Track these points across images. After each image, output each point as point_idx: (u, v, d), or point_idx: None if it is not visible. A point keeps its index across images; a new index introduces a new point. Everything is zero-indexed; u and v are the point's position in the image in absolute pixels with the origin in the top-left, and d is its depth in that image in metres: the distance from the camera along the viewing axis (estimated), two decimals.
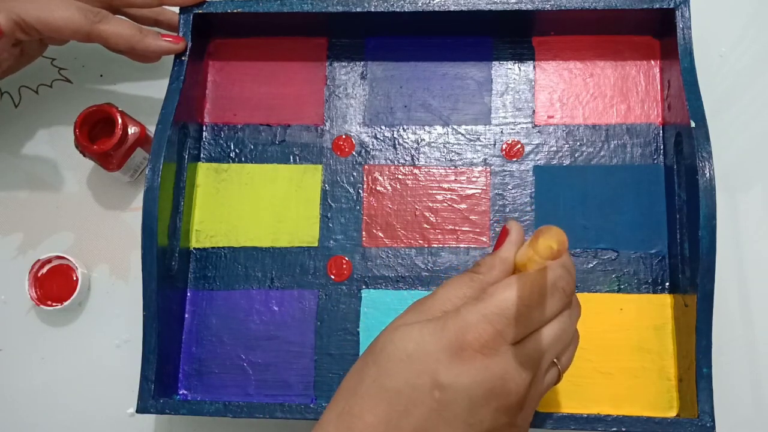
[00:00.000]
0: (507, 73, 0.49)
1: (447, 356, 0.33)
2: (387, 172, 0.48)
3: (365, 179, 0.48)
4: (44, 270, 0.49)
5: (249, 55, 0.51)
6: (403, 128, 0.49)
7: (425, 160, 0.48)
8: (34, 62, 0.52)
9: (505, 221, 0.40)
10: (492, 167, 0.48)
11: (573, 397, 0.44)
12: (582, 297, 0.45)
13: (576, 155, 0.47)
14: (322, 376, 0.45)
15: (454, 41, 0.50)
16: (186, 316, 0.47)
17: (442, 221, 0.47)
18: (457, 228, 0.47)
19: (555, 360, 0.36)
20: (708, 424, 0.40)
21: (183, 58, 0.47)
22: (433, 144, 0.48)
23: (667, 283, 0.45)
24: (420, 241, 0.47)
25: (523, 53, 0.49)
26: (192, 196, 0.48)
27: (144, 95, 0.53)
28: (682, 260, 0.43)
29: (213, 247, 0.48)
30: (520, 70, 0.49)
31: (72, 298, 0.48)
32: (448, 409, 0.33)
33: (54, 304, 0.49)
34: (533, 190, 0.47)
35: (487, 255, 0.37)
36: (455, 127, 0.49)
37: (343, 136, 0.49)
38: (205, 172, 0.49)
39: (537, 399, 0.36)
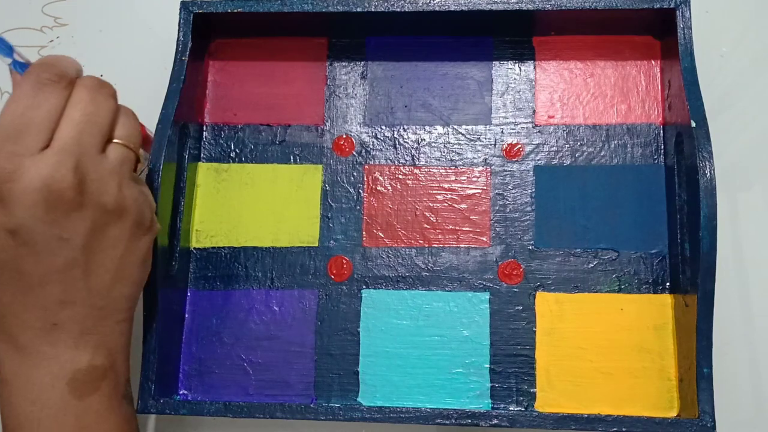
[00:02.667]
0: (507, 73, 0.49)
1: None
2: (387, 172, 0.48)
3: (365, 179, 0.48)
4: None
5: (249, 55, 0.51)
6: (403, 128, 0.49)
7: (426, 160, 0.48)
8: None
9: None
10: (492, 167, 0.48)
11: (573, 397, 0.44)
12: (582, 297, 0.45)
13: (576, 155, 0.47)
14: (323, 376, 0.45)
15: (455, 41, 0.50)
16: (186, 316, 0.47)
17: (443, 221, 0.47)
18: (457, 228, 0.47)
19: (114, 141, 0.37)
20: (708, 424, 0.40)
21: (183, 58, 0.47)
22: (433, 144, 0.48)
23: (668, 283, 0.45)
24: (420, 241, 0.47)
25: (523, 53, 0.49)
26: (192, 196, 0.48)
27: (144, 95, 0.53)
28: (682, 260, 0.43)
29: (213, 247, 0.48)
30: (520, 70, 0.49)
31: None
32: (36, 242, 0.34)
33: None
34: (533, 190, 0.47)
35: None
36: (456, 126, 0.49)
37: (344, 136, 0.49)
38: (205, 172, 0.49)
39: (111, 175, 0.36)
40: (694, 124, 0.42)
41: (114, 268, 0.37)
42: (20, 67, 0.37)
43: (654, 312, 0.45)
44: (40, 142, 0.34)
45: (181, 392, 0.46)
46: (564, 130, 0.48)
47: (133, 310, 0.40)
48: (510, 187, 0.47)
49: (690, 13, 0.45)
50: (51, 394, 0.36)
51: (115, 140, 0.37)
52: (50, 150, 0.34)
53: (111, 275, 0.37)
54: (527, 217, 0.47)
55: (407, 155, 0.48)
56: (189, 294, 0.47)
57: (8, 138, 0.34)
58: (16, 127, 0.34)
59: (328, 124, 0.49)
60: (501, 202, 0.47)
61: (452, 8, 0.46)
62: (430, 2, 0.47)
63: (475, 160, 0.48)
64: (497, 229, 0.47)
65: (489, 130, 0.48)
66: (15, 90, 0.35)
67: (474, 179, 0.48)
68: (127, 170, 0.38)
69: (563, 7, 0.46)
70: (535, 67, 0.49)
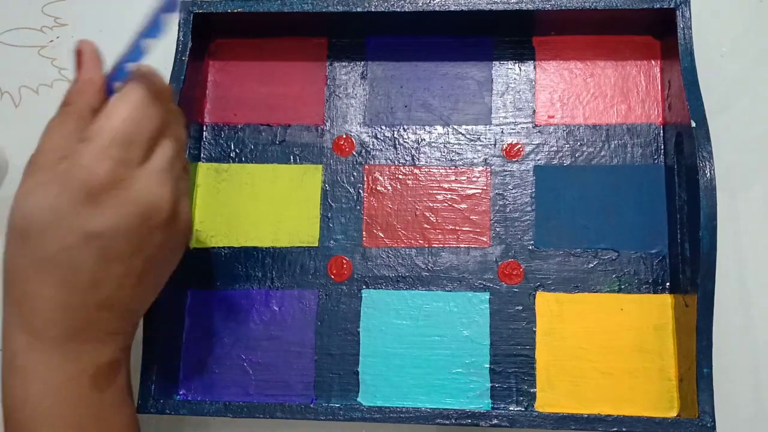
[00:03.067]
0: (507, 73, 0.49)
1: (85, 207, 0.33)
2: (387, 172, 0.48)
3: (365, 179, 0.48)
4: None
5: (249, 55, 0.51)
6: (403, 128, 0.49)
7: (426, 160, 0.48)
8: (34, 62, 0.52)
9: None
10: (492, 167, 0.48)
11: (573, 397, 0.44)
12: (582, 297, 0.45)
13: (576, 155, 0.47)
14: (323, 376, 0.45)
15: (455, 41, 0.50)
16: (186, 316, 0.47)
17: (443, 221, 0.47)
18: (457, 228, 0.47)
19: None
20: (708, 424, 0.40)
21: (183, 58, 0.47)
22: (433, 144, 0.48)
23: (668, 283, 0.45)
24: (420, 241, 0.47)
25: (523, 53, 0.49)
26: (192, 196, 0.48)
27: None
28: (682, 260, 0.43)
29: (213, 247, 0.48)
30: (520, 69, 0.49)
31: None
32: (112, 249, 0.34)
33: None
34: (534, 190, 0.47)
35: (71, 83, 0.37)
36: (456, 127, 0.49)
37: (344, 136, 0.49)
38: (205, 172, 0.49)
39: (185, 197, 0.38)
40: (694, 124, 0.42)
41: (157, 277, 0.38)
42: (124, 74, 0.36)
43: (654, 312, 0.45)
44: (145, 154, 0.35)
45: (181, 392, 0.46)
46: (564, 130, 0.48)
47: None
48: (510, 187, 0.47)
49: (690, 13, 0.45)
50: (73, 388, 0.36)
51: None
52: (154, 166, 0.35)
53: (153, 283, 0.38)
54: (527, 217, 0.47)
55: (407, 155, 0.48)
56: (189, 294, 0.47)
57: (121, 143, 0.34)
58: (130, 134, 0.34)
59: (328, 124, 0.49)
60: (501, 202, 0.47)
61: (452, 8, 0.46)
62: (430, 2, 0.47)
63: (475, 160, 0.48)
64: (497, 229, 0.47)
65: (489, 130, 0.48)
66: (131, 94, 0.35)
67: (474, 179, 0.48)
68: (187, 190, 0.39)
69: (563, 7, 0.46)
70: (535, 67, 0.49)
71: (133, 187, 0.34)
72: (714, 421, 0.40)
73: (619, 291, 0.45)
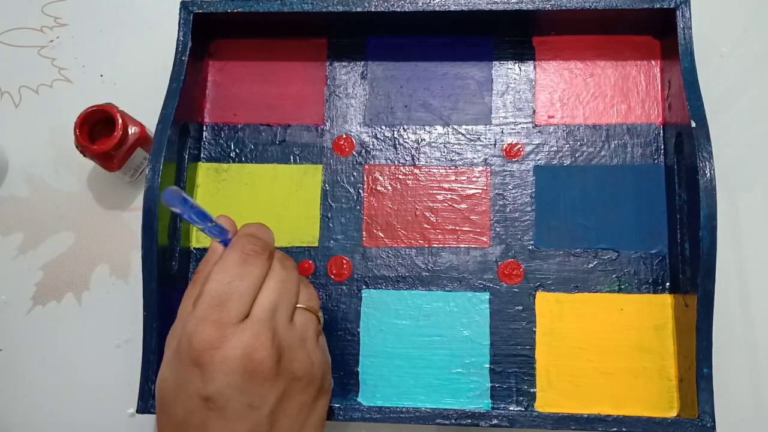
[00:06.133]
0: (507, 73, 0.49)
1: (197, 373, 0.34)
2: (387, 172, 0.48)
3: (365, 179, 0.48)
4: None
5: (249, 55, 0.51)
6: (403, 128, 0.49)
7: (426, 160, 0.48)
8: (34, 62, 0.52)
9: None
10: (492, 167, 0.48)
11: (573, 397, 0.44)
12: (582, 297, 0.45)
13: (576, 155, 0.47)
14: None
15: (455, 41, 0.50)
16: None
17: (443, 221, 0.47)
18: (457, 228, 0.47)
19: (298, 306, 0.38)
20: (708, 425, 0.40)
21: (183, 58, 0.47)
22: (433, 144, 0.48)
23: (668, 283, 0.45)
24: (420, 241, 0.47)
25: (523, 53, 0.49)
26: (192, 196, 0.48)
27: (144, 95, 0.53)
28: (682, 260, 0.43)
29: None
30: (520, 69, 0.49)
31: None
32: (227, 408, 0.35)
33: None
34: (534, 190, 0.47)
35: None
36: (456, 127, 0.49)
37: (344, 136, 0.49)
38: (205, 172, 0.49)
39: (301, 342, 0.37)
40: (694, 124, 0.42)
41: (296, 430, 0.38)
42: (217, 231, 0.38)
43: (654, 312, 0.45)
44: (242, 311, 0.35)
45: None
46: (564, 130, 0.48)
47: None
48: (510, 187, 0.47)
49: (690, 13, 0.45)
50: None
51: (299, 305, 0.38)
52: (251, 320, 0.35)
53: None
54: (527, 217, 0.47)
55: (407, 155, 0.48)
56: None
57: (215, 306, 0.35)
58: (222, 296, 0.35)
59: (328, 124, 0.49)
60: (501, 202, 0.47)
61: (452, 8, 0.46)
62: (430, 2, 0.47)
63: (475, 160, 0.48)
64: (497, 229, 0.47)
65: (489, 130, 0.48)
66: (223, 259, 0.36)
67: (474, 179, 0.48)
68: (313, 335, 0.38)
69: (563, 7, 0.46)
70: (535, 67, 0.49)
71: (233, 345, 0.34)
72: (714, 421, 0.40)
73: (619, 291, 0.45)
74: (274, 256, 0.38)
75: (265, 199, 0.48)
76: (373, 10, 0.47)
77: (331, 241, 0.47)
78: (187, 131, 0.48)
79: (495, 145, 0.48)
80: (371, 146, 0.49)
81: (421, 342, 0.45)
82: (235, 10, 0.47)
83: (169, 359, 0.36)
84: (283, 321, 0.37)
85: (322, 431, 0.40)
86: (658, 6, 0.45)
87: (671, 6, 0.45)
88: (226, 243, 0.38)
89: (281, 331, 0.36)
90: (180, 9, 0.48)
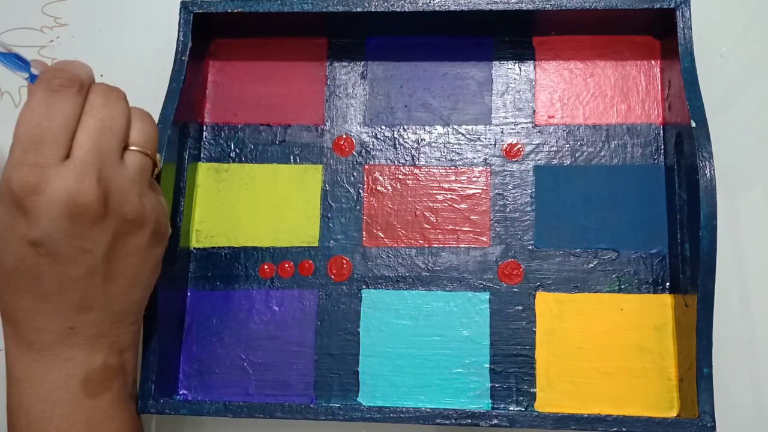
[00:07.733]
0: (507, 73, 0.49)
1: (19, 217, 0.33)
2: (387, 172, 0.48)
3: (365, 179, 0.48)
4: None
5: (249, 55, 0.51)
6: (403, 128, 0.49)
7: (426, 160, 0.48)
8: None
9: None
10: (492, 167, 0.48)
11: (573, 397, 0.44)
12: (582, 297, 0.45)
13: (576, 155, 0.47)
14: (323, 376, 0.45)
15: (455, 41, 0.50)
16: (186, 316, 0.47)
17: (443, 221, 0.47)
18: (457, 228, 0.47)
19: (127, 146, 0.36)
20: (708, 424, 0.40)
21: (183, 58, 0.47)
22: (433, 144, 0.48)
23: (668, 283, 0.45)
24: (420, 241, 0.47)
25: (523, 53, 0.49)
26: (192, 196, 0.48)
27: (144, 95, 0.53)
28: (682, 260, 0.43)
29: (213, 247, 0.48)
30: (520, 69, 0.49)
31: None
32: (59, 253, 0.34)
33: None
34: (534, 190, 0.47)
35: None
36: (456, 126, 0.49)
37: (344, 136, 0.49)
38: (205, 172, 0.49)
39: (131, 185, 0.36)
40: (694, 124, 0.42)
41: (131, 275, 0.38)
42: (13, 62, 0.36)
43: (654, 312, 0.45)
44: (60, 151, 0.34)
45: (181, 392, 0.46)
46: (564, 130, 0.48)
47: (143, 312, 0.41)
48: (510, 187, 0.47)
49: (690, 13, 0.45)
50: (63, 394, 0.36)
51: (132, 147, 0.37)
52: (72, 161, 0.34)
53: (128, 281, 0.38)
54: (527, 217, 0.47)
55: (407, 155, 0.48)
56: (189, 294, 0.47)
57: (28, 149, 0.33)
58: (34, 137, 0.33)
59: (328, 124, 0.49)
60: (501, 202, 0.47)
61: (452, 8, 0.46)
62: (430, 2, 0.47)
63: (475, 160, 0.48)
64: (497, 229, 0.47)
65: (489, 130, 0.48)
66: (28, 99, 0.34)
67: (474, 179, 0.48)
68: (146, 178, 0.38)
69: (563, 7, 0.46)
70: (535, 67, 0.49)
71: (54, 188, 0.33)
72: (714, 421, 0.40)
73: (619, 291, 0.45)
74: (94, 89, 0.36)
75: (265, 199, 0.48)
76: (373, 10, 0.47)
77: (331, 241, 0.47)
78: (187, 131, 0.48)
79: (495, 145, 0.48)
80: (371, 146, 0.49)
81: (421, 342, 0.45)
82: (235, 10, 0.47)
83: None
84: (110, 162, 0.35)
85: (157, 274, 0.40)
86: (658, 6, 0.45)
87: (671, 6, 0.45)
88: (33, 80, 0.36)
89: (107, 173, 0.35)
90: (180, 9, 0.48)
